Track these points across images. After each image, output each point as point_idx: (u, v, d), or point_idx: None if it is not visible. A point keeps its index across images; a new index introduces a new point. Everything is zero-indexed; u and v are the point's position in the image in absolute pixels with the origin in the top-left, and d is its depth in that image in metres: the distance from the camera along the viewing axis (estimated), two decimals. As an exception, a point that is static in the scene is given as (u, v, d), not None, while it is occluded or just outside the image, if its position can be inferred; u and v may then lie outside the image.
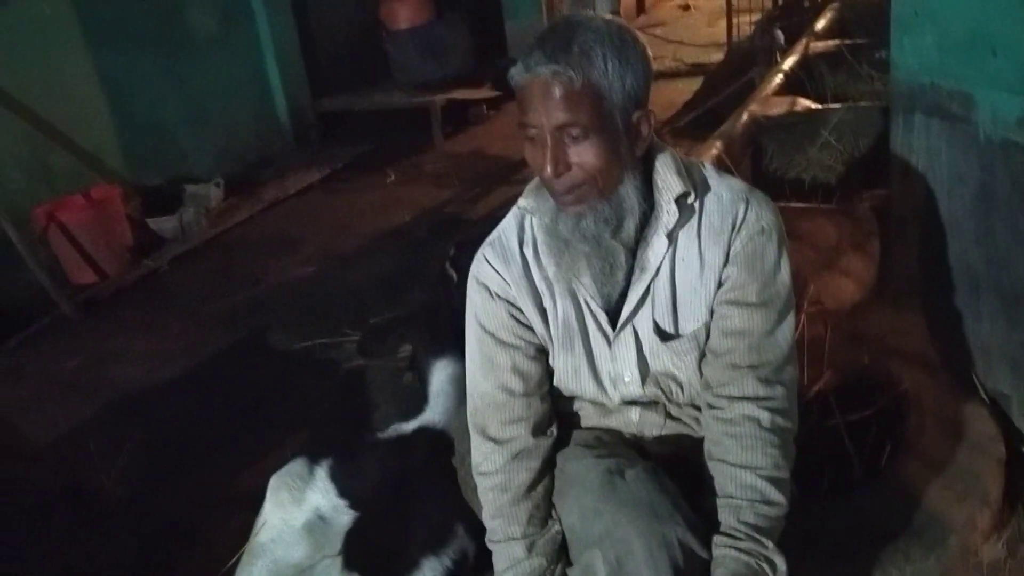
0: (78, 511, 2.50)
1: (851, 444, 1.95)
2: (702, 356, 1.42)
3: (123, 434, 2.84)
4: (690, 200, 1.37)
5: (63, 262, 4.18)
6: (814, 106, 3.48)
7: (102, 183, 4.53)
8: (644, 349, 1.43)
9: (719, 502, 1.34)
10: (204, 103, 5.39)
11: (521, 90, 1.28)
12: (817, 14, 5.29)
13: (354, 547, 1.86)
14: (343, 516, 1.93)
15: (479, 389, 1.52)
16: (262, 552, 1.90)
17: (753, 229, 1.36)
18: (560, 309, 1.46)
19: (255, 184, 5.47)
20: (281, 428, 2.77)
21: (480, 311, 1.51)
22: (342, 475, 1.99)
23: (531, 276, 1.47)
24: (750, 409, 1.35)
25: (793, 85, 3.89)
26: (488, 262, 1.49)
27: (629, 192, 1.34)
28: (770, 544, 1.30)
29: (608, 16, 1.32)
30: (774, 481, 1.34)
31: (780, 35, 4.95)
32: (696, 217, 1.38)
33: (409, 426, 2.19)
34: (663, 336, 1.41)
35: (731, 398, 1.37)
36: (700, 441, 1.44)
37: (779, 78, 3.92)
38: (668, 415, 1.50)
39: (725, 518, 1.32)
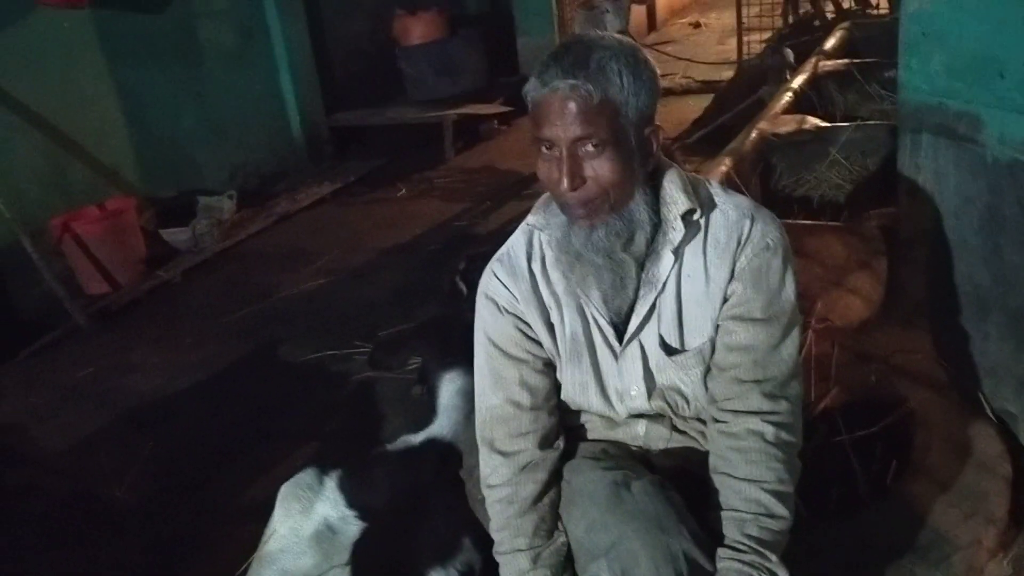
0: (89, 519, 2.53)
1: (857, 462, 1.96)
2: (707, 371, 1.44)
3: (135, 444, 2.87)
4: (696, 217, 1.39)
5: (77, 273, 4.22)
6: (823, 124, 3.50)
7: (117, 195, 4.58)
8: (650, 364, 1.45)
9: (723, 515, 1.35)
10: (219, 117, 5.45)
11: (537, 105, 1.30)
12: (827, 34, 5.31)
13: (362, 558, 1.87)
14: (352, 527, 1.95)
15: (487, 402, 1.53)
16: (271, 561, 1.92)
17: (758, 245, 1.38)
18: (568, 324, 1.48)
19: (268, 197, 5.52)
20: (291, 439, 2.79)
21: (488, 325, 1.53)
22: (351, 486, 2.01)
23: (539, 291, 1.49)
24: (755, 423, 1.36)
25: (802, 103, 3.91)
26: (497, 277, 1.51)
27: (640, 207, 1.36)
28: (774, 557, 1.31)
29: (618, 35, 1.35)
30: (778, 495, 1.35)
31: (790, 54, 4.98)
32: (702, 234, 1.40)
33: (418, 438, 2.21)
34: (669, 351, 1.43)
35: (736, 412, 1.38)
36: (706, 455, 1.45)
37: (788, 96, 3.94)
38: (674, 428, 1.51)
39: (729, 531, 1.33)
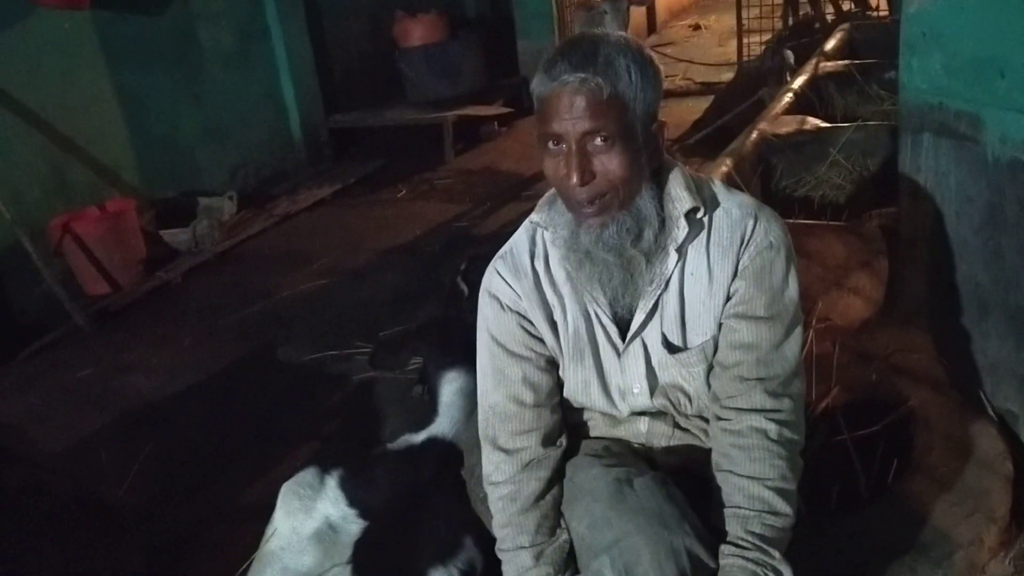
0: (90, 519, 2.53)
1: (859, 461, 1.96)
2: (710, 368, 1.44)
3: (135, 444, 2.87)
4: (699, 215, 1.39)
5: (78, 274, 4.22)
6: (823, 125, 3.51)
7: (117, 196, 4.58)
8: (653, 361, 1.45)
9: (726, 512, 1.36)
10: (219, 119, 5.45)
11: (544, 100, 1.30)
12: (827, 35, 5.32)
13: (363, 556, 1.87)
14: (352, 525, 1.94)
15: (490, 400, 1.54)
16: (272, 560, 1.92)
17: (761, 244, 1.38)
18: (571, 322, 1.48)
19: (268, 198, 5.52)
20: (292, 440, 2.80)
21: (491, 323, 1.53)
22: (352, 485, 2.01)
23: (542, 289, 1.49)
24: (758, 421, 1.37)
25: (803, 105, 3.92)
26: (499, 275, 1.51)
27: (647, 203, 1.36)
28: (777, 554, 1.31)
29: (621, 33, 1.36)
30: (781, 492, 1.35)
31: (790, 55, 4.99)
32: (705, 232, 1.41)
33: (419, 437, 2.21)
34: (671, 349, 1.43)
35: (739, 410, 1.39)
36: (708, 452, 1.46)
37: (789, 97, 3.94)
38: (676, 426, 1.51)
39: (732, 528, 1.34)
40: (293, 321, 3.76)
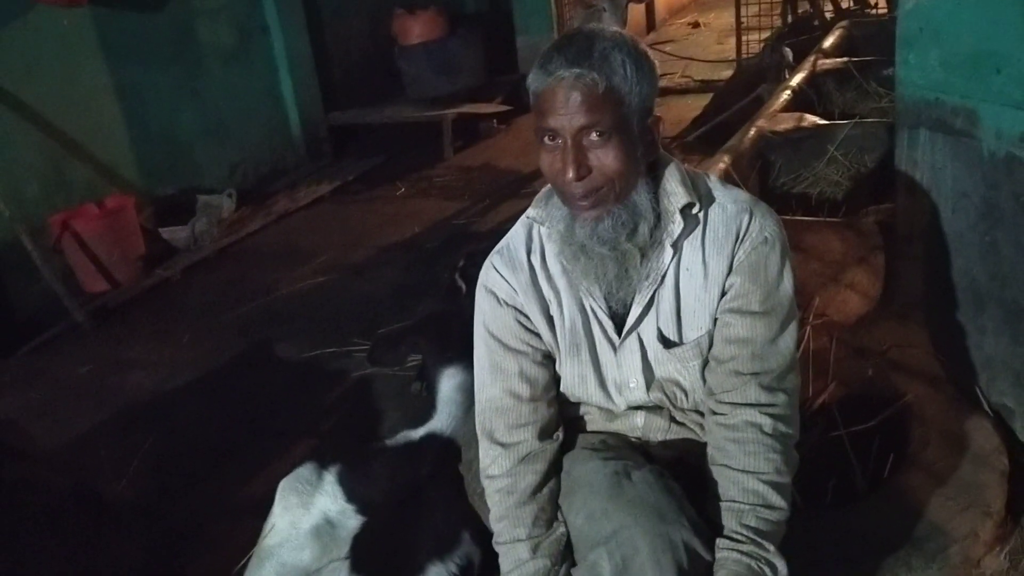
0: (89, 514, 2.52)
1: (855, 456, 1.97)
2: (705, 363, 1.45)
3: (134, 440, 2.87)
4: (695, 211, 1.40)
5: (77, 271, 4.22)
6: (821, 122, 3.51)
7: (116, 193, 4.58)
8: (649, 356, 1.46)
9: (722, 506, 1.36)
10: (218, 115, 5.45)
11: (540, 95, 1.31)
12: (826, 32, 5.32)
13: (361, 551, 1.87)
14: (351, 520, 1.95)
15: (487, 394, 1.54)
16: (270, 555, 1.92)
17: (756, 239, 1.39)
18: (567, 317, 1.48)
19: (267, 195, 5.52)
20: (290, 436, 2.80)
21: (488, 317, 1.54)
22: (350, 480, 2.01)
23: (538, 284, 1.50)
24: (752, 415, 1.37)
25: (801, 102, 3.92)
26: (496, 270, 1.52)
27: (643, 197, 1.37)
28: (771, 547, 1.32)
29: (616, 28, 1.36)
30: (775, 486, 1.36)
31: (789, 52, 4.99)
32: (700, 227, 1.41)
33: (417, 433, 2.21)
34: (667, 343, 1.44)
35: (734, 404, 1.39)
36: (704, 446, 1.46)
37: (787, 94, 3.95)
38: (672, 420, 1.52)
39: (727, 521, 1.34)
40: (292, 318, 3.76)
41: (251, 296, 4.05)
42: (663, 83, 7.06)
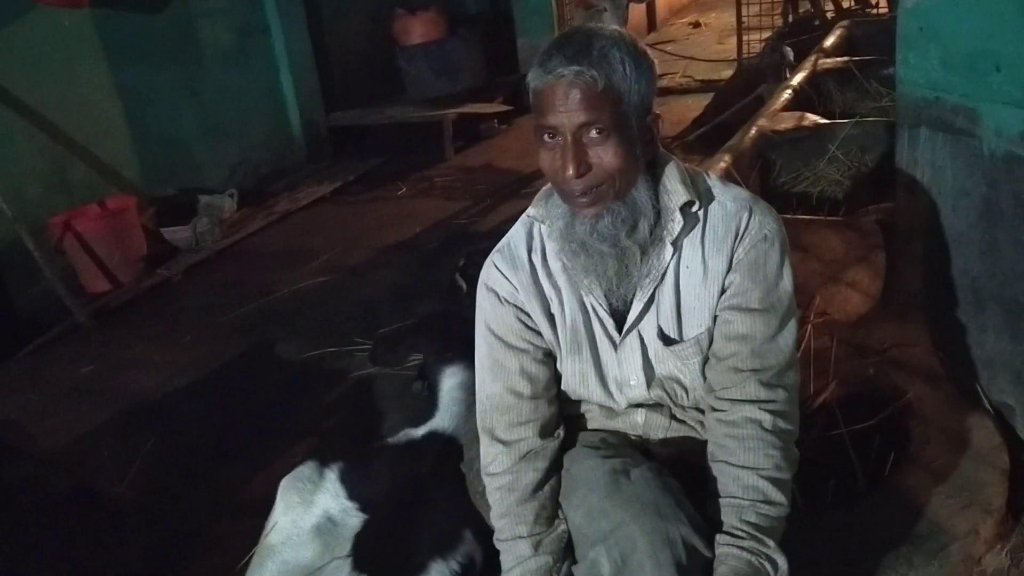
0: (90, 514, 2.54)
1: (855, 454, 1.97)
2: (706, 360, 1.45)
3: (136, 440, 2.88)
4: (694, 209, 1.40)
5: (78, 271, 4.23)
6: (822, 121, 3.51)
7: (118, 194, 4.59)
8: (649, 353, 1.46)
9: (722, 502, 1.37)
10: (219, 116, 5.46)
11: (540, 94, 1.31)
12: (826, 32, 5.32)
13: (363, 549, 1.88)
14: (352, 519, 1.95)
15: (487, 392, 1.55)
16: (272, 553, 1.93)
17: (756, 237, 1.39)
18: (568, 315, 1.49)
19: (268, 196, 5.54)
20: (291, 435, 2.80)
21: (489, 316, 1.54)
22: (352, 478, 2.01)
23: (539, 282, 1.50)
24: (752, 412, 1.37)
25: (801, 101, 3.92)
26: (497, 268, 1.53)
27: (642, 194, 1.37)
28: (771, 543, 1.32)
29: (615, 27, 1.37)
30: (775, 482, 1.36)
31: (789, 52, 4.99)
32: (700, 225, 1.42)
33: (418, 432, 2.22)
34: (667, 341, 1.44)
35: (733, 401, 1.39)
36: (704, 443, 1.46)
37: (788, 94, 3.95)
38: (673, 418, 1.52)
39: (727, 518, 1.35)
40: (293, 318, 3.77)
41: (252, 296, 4.05)
42: (664, 83, 7.08)
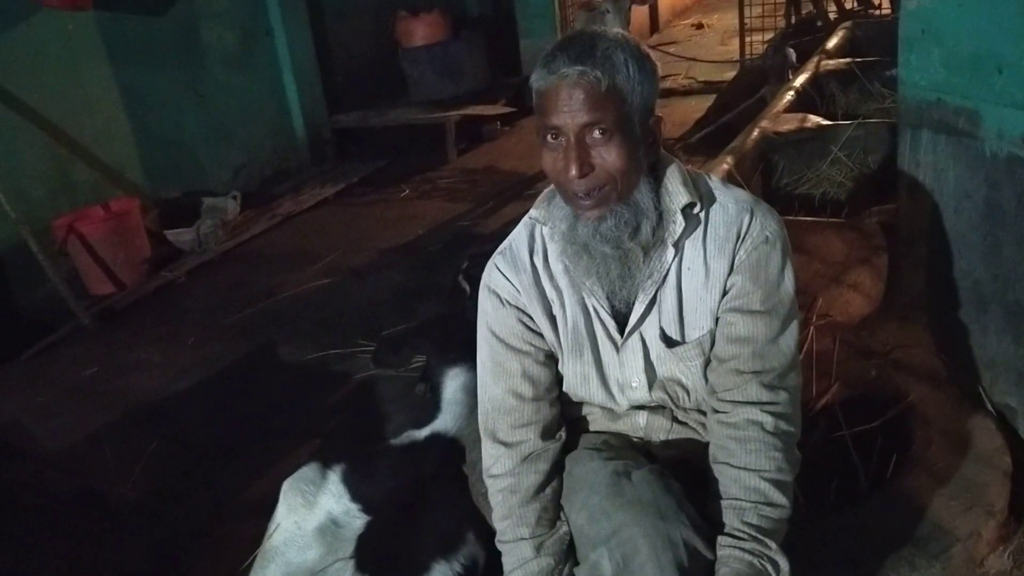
0: (94, 515, 2.54)
1: (858, 456, 1.97)
2: (707, 362, 1.45)
3: (139, 442, 2.88)
4: (696, 211, 1.41)
5: (82, 273, 4.24)
6: (824, 123, 3.51)
7: (121, 196, 4.60)
8: (651, 355, 1.46)
9: (723, 504, 1.37)
10: (222, 118, 5.47)
11: (543, 94, 1.31)
12: (829, 33, 5.32)
13: (366, 551, 1.88)
14: (355, 520, 1.96)
15: (489, 394, 1.55)
16: (275, 555, 1.93)
17: (758, 239, 1.39)
18: (570, 317, 1.49)
19: (271, 198, 5.55)
20: (294, 437, 2.81)
21: (491, 318, 1.54)
22: (355, 480, 2.02)
23: (541, 284, 1.50)
24: (754, 413, 1.38)
25: (804, 102, 3.92)
26: (499, 270, 1.53)
27: (645, 196, 1.37)
28: (773, 545, 1.32)
29: (618, 29, 1.38)
30: (777, 483, 1.36)
31: (792, 53, 4.99)
32: (702, 227, 1.42)
33: (421, 434, 2.22)
34: (669, 343, 1.44)
35: (735, 403, 1.40)
36: (706, 445, 1.47)
37: (790, 95, 3.95)
38: (675, 420, 1.53)
39: (729, 519, 1.35)
40: (296, 320, 3.77)
41: (256, 298, 4.06)
42: (667, 84, 7.08)
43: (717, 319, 1.43)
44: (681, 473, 1.43)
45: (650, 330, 1.45)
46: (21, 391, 3.43)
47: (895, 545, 1.66)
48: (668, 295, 1.43)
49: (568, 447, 1.54)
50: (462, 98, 6.44)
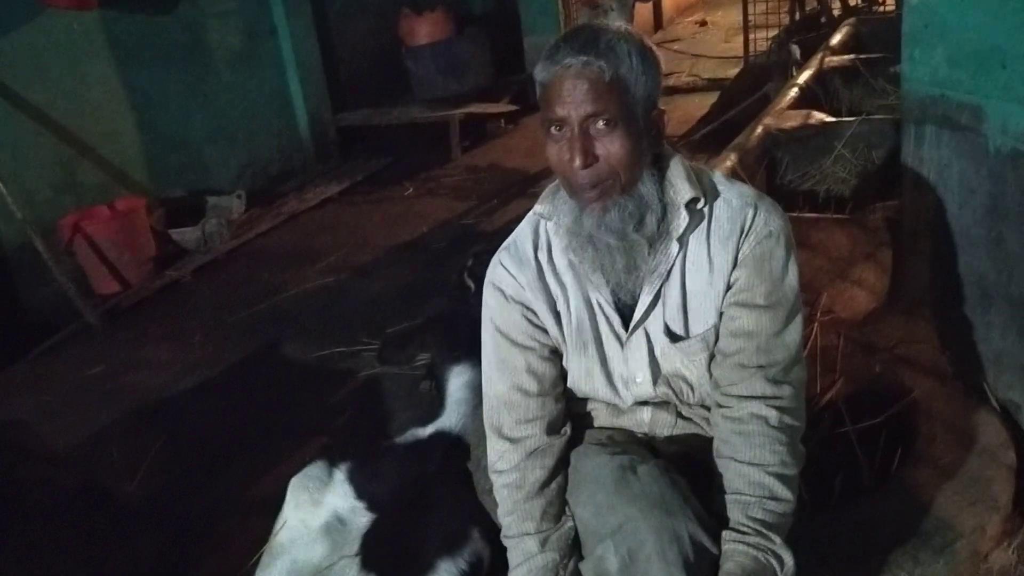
0: (101, 513, 2.55)
1: (862, 451, 1.97)
2: (712, 357, 1.45)
3: (146, 439, 2.89)
4: (699, 205, 1.41)
5: (88, 272, 4.26)
6: (828, 119, 3.50)
7: (127, 195, 4.61)
8: (655, 350, 1.46)
9: (728, 498, 1.37)
10: (227, 117, 5.48)
11: (547, 85, 1.32)
12: (833, 29, 5.31)
13: (371, 548, 1.89)
14: (361, 518, 1.96)
15: (494, 389, 1.55)
16: (281, 552, 1.94)
17: (761, 233, 1.39)
18: (574, 312, 1.49)
19: (276, 196, 5.56)
20: (300, 434, 2.82)
21: (495, 314, 1.55)
22: (360, 478, 2.02)
23: (545, 280, 1.50)
24: (758, 408, 1.38)
25: (808, 99, 3.91)
26: (503, 266, 1.53)
27: (648, 188, 1.37)
28: (778, 539, 1.33)
29: (620, 23, 1.38)
30: (781, 478, 1.36)
31: (796, 50, 4.98)
32: (705, 222, 1.42)
33: (426, 431, 2.23)
34: (673, 338, 1.45)
35: (740, 397, 1.40)
36: (710, 441, 1.47)
37: (794, 92, 3.94)
38: (679, 415, 1.53)
39: (733, 514, 1.35)
40: (301, 318, 3.78)
41: (260, 296, 4.07)
42: (671, 81, 7.07)
43: (721, 314, 1.43)
44: (686, 468, 1.43)
45: (654, 325, 1.45)
46: (27, 390, 3.45)
47: (899, 540, 1.66)
48: (672, 290, 1.43)
49: (573, 443, 1.54)
50: (466, 96, 6.44)
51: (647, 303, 1.43)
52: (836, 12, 6.34)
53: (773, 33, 6.46)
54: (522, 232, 1.55)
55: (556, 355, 1.54)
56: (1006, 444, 1.89)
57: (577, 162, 1.30)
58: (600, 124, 1.29)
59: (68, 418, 3.16)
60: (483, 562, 1.80)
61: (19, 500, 2.65)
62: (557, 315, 1.50)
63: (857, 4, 6.59)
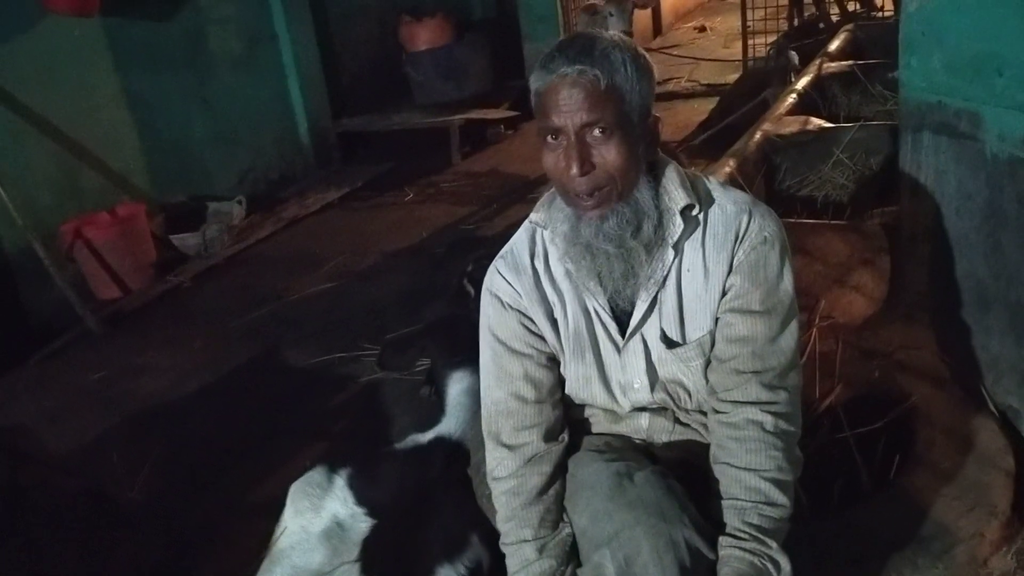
0: (102, 518, 2.55)
1: (861, 456, 1.97)
2: (708, 363, 1.46)
3: (146, 445, 2.90)
4: (695, 212, 1.42)
5: (89, 278, 4.26)
6: (827, 125, 3.51)
7: (128, 201, 4.62)
8: (652, 357, 1.47)
9: (724, 504, 1.37)
10: (228, 123, 5.49)
11: (543, 94, 1.33)
12: (831, 35, 5.32)
13: (371, 554, 1.90)
14: (361, 523, 1.97)
15: (492, 397, 1.56)
16: (281, 558, 1.95)
17: (756, 239, 1.40)
18: (571, 319, 1.50)
19: (276, 202, 5.57)
20: (300, 440, 2.82)
21: (493, 321, 1.55)
22: (360, 483, 2.03)
23: (542, 287, 1.51)
24: (754, 413, 1.38)
25: (806, 105, 3.92)
26: (500, 274, 1.54)
27: (645, 196, 1.38)
28: (774, 544, 1.33)
29: (616, 32, 1.40)
30: (777, 483, 1.37)
31: (794, 56, 5.00)
32: (701, 228, 1.43)
33: (426, 437, 2.24)
34: (670, 344, 1.45)
35: (735, 403, 1.40)
36: (707, 446, 1.47)
37: (793, 98, 3.95)
38: (677, 421, 1.53)
39: (730, 519, 1.35)
40: (301, 323, 3.79)
41: (261, 302, 4.07)
42: (670, 87, 7.09)
43: (717, 320, 1.44)
44: (683, 474, 1.43)
45: (651, 332, 1.46)
46: (29, 395, 3.45)
47: (898, 545, 1.66)
48: (668, 296, 1.44)
49: (571, 449, 1.54)
50: (466, 102, 6.46)
51: (643, 310, 1.44)
52: (835, 18, 6.36)
53: (772, 39, 6.49)
54: (519, 240, 1.56)
55: (554, 362, 1.55)
56: (1005, 449, 1.89)
57: (574, 170, 1.31)
58: (596, 132, 1.30)
59: (69, 423, 3.17)
60: (483, 568, 1.80)
61: (21, 505, 2.66)
62: (554, 322, 1.51)
63: (855, 10, 6.62)
